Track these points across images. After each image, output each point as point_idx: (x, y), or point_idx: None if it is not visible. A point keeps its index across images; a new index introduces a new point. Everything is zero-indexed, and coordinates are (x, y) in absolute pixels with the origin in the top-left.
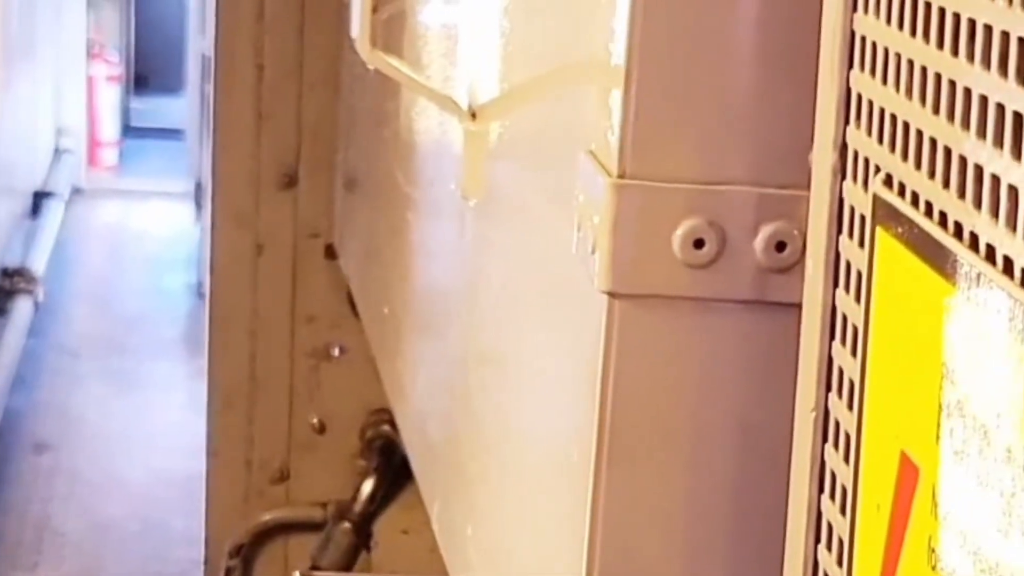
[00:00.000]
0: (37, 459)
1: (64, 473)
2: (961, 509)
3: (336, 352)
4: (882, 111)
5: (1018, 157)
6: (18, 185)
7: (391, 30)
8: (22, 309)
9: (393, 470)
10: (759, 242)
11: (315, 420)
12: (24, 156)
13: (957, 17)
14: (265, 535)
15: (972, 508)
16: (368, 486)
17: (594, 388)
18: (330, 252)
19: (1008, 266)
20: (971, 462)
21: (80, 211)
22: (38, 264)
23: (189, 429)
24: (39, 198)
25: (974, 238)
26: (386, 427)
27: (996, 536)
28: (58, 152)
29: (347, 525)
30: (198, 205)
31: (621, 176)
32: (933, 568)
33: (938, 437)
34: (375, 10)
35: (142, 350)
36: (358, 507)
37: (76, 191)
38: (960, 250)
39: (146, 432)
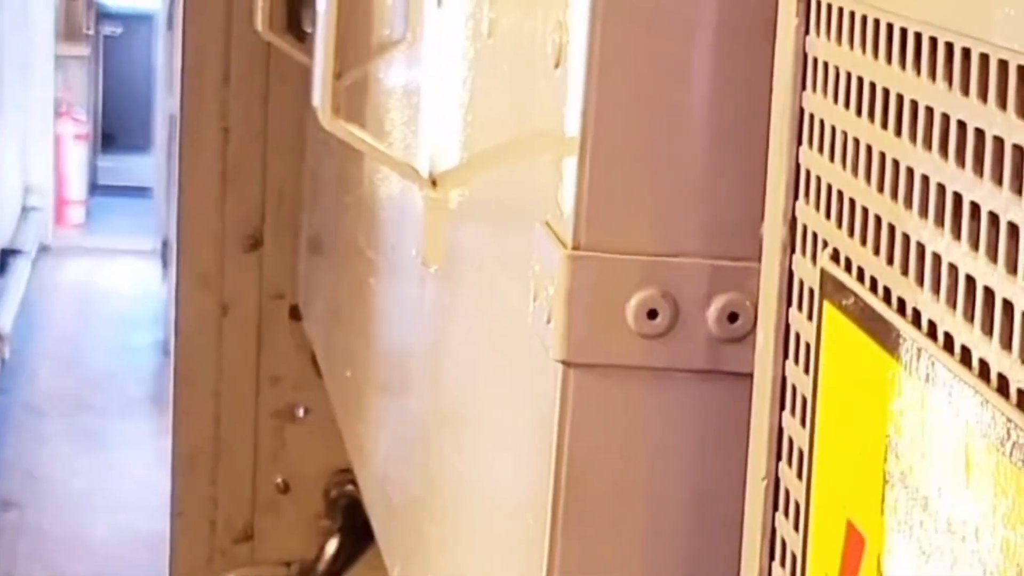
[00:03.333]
0: (2, 517)
1: (29, 531)
2: None
3: (300, 413)
4: (829, 187)
5: (958, 236)
6: None
7: (353, 97)
8: None
9: (357, 530)
10: (712, 313)
11: (279, 480)
12: None
13: (900, 98)
14: None
15: None
16: (332, 546)
17: (550, 455)
18: (295, 313)
19: (949, 342)
20: (914, 533)
21: (47, 269)
22: (4, 322)
23: (155, 487)
24: (6, 255)
25: (917, 314)
26: (350, 487)
27: None
28: (25, 210)
29: None
30: (165, 263)
31: (576, 248)
32: None
33: (882, 508)
34: (338, 76)
35: (108, 408)
36: (322, 567)
37: (43, 249)
38: (903, 326)
39: (112, 490)
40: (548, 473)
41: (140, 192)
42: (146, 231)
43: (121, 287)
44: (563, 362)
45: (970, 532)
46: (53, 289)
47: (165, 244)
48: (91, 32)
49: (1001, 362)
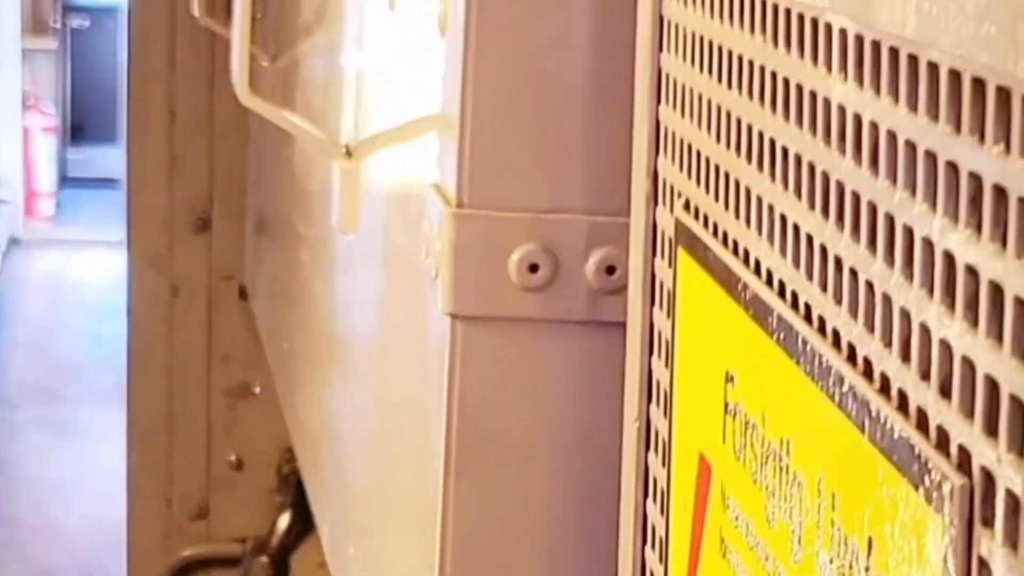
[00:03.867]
0: None
1: (3, 521)
2: (740, 501)
3: (257, 390)
4: (682, 142)
5: (788, 188)
6: None
7: (287, 80)
8: None
9: (308, 505)
10: (590, 266)
11: (232, 457)
12: None
13: (730, 54)
14: (186, 571)
15: (748, 500)
16: (284, 521)
17: (442, 405)
18: (244, 293)
19: (782, 289)
20: (747, 459)
21: (17, 261)
22: None
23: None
24: None
25: (752, 258)
26: None
27: (764, 524)
28: None
29: (265, 559)
30: None
31: (459, 206)
32: (724, 556)
33: (723, 436)
34: (274, 59)
35: (80, 398)
36: (275, 541)
37: (13, 241)
38: (743, 272)
39: (84, 480)
40: (441, 422)
41: (110, 184)
42: (116, 222)
43: (92, 278)
44: (451, 315)
45: (786, 451)
46: (24, 281)
47: None
48: (58, 25)
49: (822, 306)
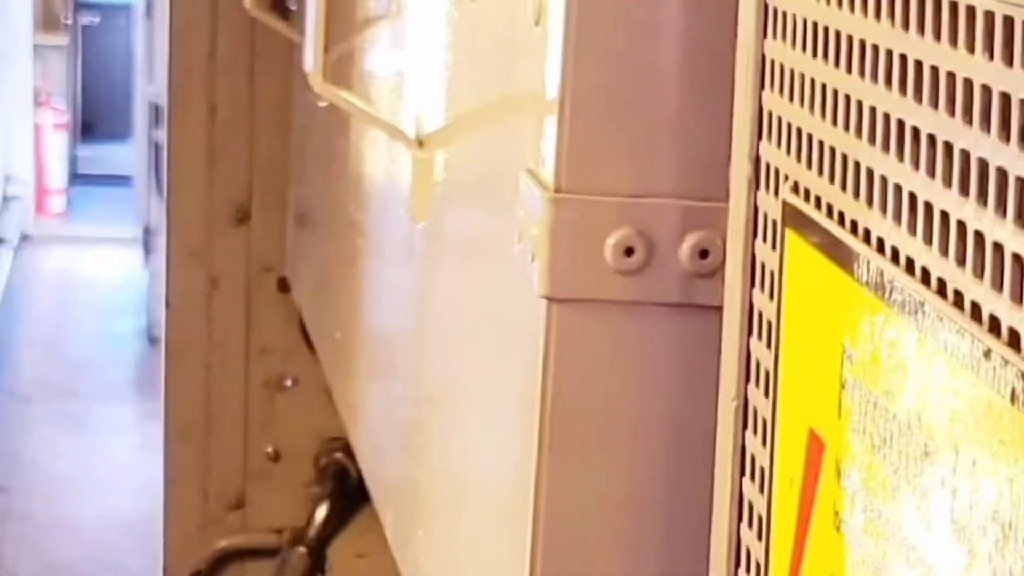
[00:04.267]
0: None
1: (16, 515)
2: (859, 474)
3: (289, 383)
4: (790, 126)
5: (901, 159)
6: None
7: (340, 70)
8: None
9: (346, 496)
10: (684, 250)
11: (270, 449)
12: None
13: (850, 39)
14: (222, 561)
15: (868, 472)
16: (322, 512)
17: (535, 388)
18: (283, 285)
19: (910, 265)
20: (867, 433)
21: (29, 258)
22: None
23: (140, 472)
24: None
25: (875, 237)
26: (339, 454)
27: (888, 495)
28: (6, 199)
29: (302, 550)
30: (146, 250)
31: (557, 191)
32: (837, 529)
33: (839, 412)
34: (326, 49)
35: (92, 394)
36: (312, 532)
37: (24, 238)
38: (857, 245)
39: (97, 475)
40: (534, 406)
41: (120, 180)
42: (127, 219)
43: (103, 275)
44: (547, 297)
45: (915, 423)
46: (35, 278)
47: (146, 231)
48: (69, 21)
49: (958, 279)
